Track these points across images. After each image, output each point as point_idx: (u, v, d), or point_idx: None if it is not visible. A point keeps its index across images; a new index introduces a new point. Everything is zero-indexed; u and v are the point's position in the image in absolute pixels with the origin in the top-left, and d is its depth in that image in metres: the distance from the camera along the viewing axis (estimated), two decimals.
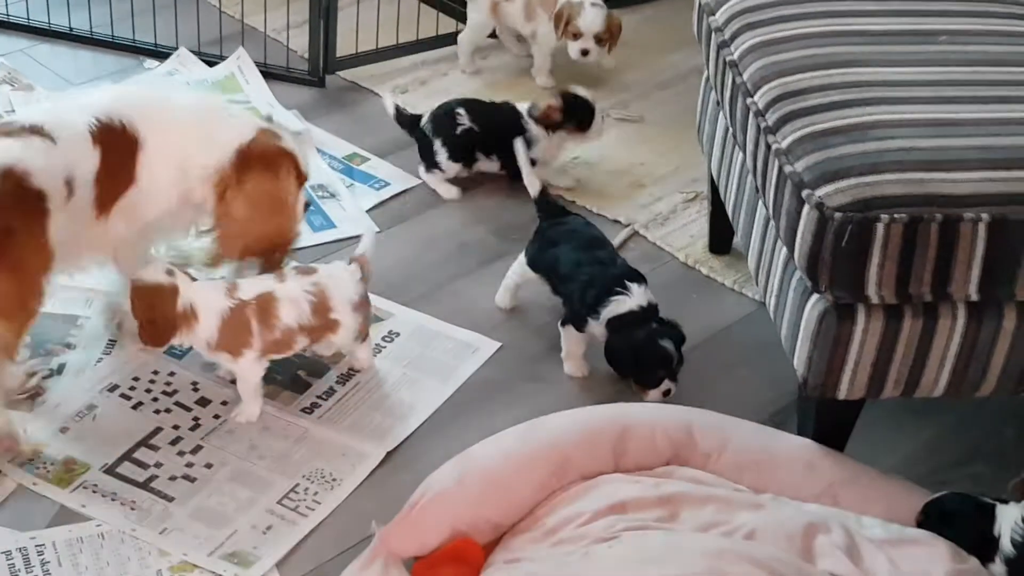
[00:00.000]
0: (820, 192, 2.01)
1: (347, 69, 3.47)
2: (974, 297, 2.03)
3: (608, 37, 3.43)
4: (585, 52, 3.41)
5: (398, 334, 2.68)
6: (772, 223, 2.22)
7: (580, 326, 2.53)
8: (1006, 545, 1.97)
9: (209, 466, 2.34)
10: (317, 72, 3.42)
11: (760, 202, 2.32)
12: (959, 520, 2.03)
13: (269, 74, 3.41)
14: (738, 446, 2.21)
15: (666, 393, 2.46)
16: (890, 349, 2.08)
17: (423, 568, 2.08)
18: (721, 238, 2.91)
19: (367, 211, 3.03)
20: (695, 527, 2.01)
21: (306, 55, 3.45)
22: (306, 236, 2.92)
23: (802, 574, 1.91)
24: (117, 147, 2.35)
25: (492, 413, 2.47)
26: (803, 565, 1.94)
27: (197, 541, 2.19)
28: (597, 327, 2.50)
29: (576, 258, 2.56)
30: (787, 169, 2.09)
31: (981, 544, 2.00)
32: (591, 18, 3.39)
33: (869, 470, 2.19)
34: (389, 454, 2.39)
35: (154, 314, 2.32)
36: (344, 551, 2.17)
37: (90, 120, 2.32)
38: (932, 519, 2.04)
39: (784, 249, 2.19)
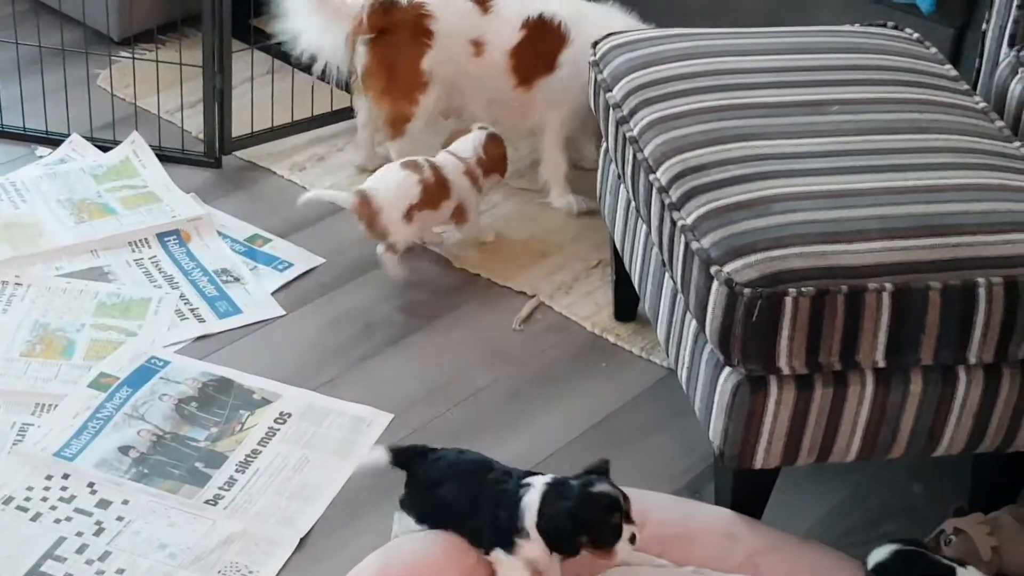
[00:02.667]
0: (728, 268, 2.04)
1: (244, 149, 3.45)
2: (881, 364, 2.08)
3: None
4: None
5: (290, 415, 2.65)
6: (680, 296, 2.25)
7: (510, 549, 2.09)
8: None
9: (121, 572, 2.28)
10: (213, 153, 3.40)
11: (667, 275, 2.35)
12: (918, 570, 2.05)
13: (165, 157, 3.37)
14: (657, 519, 2.21)
15: (632, 539, 2.04)
16: (803, 418, 2.12)
17: None
18: (627, 306, 2.94)
19: (272, 293, 3.00)
20: None
21: (201, 136, 3.42)
22: (210, 323, 2.89)
23: None
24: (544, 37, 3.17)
25: None
26: None
27: None
28: (529, 542, 2.07)
29: (470, 491, 2.15)
30: (694, 245, 2.12)
31: None
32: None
33: (789, 537, 2.22)
34: (304, 540, 2.37)
35: None
36: None
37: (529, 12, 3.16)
38: (897, 564, 2.05)
39: (694, 322, 2.22)
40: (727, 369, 2.13)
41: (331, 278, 3.08)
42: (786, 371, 2.07)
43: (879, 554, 2.09)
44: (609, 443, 2.59)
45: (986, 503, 2.31)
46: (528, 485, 2.08)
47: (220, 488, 2.47)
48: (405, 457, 2.23)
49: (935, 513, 2.30)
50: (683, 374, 2.33)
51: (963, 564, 2.09)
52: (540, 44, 3.17)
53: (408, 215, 2.93)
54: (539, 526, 2.03)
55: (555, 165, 3.30)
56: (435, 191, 2.98)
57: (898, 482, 2.52)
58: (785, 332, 2.02)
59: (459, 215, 3.08)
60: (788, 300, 2.00)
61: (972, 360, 2.09)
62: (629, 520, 2.05)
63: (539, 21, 3.15)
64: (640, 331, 2.92)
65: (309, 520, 2.41)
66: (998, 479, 2.37)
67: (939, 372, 2.11)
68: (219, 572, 2.29)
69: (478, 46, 3.18)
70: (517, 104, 3.25)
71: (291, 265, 3.10)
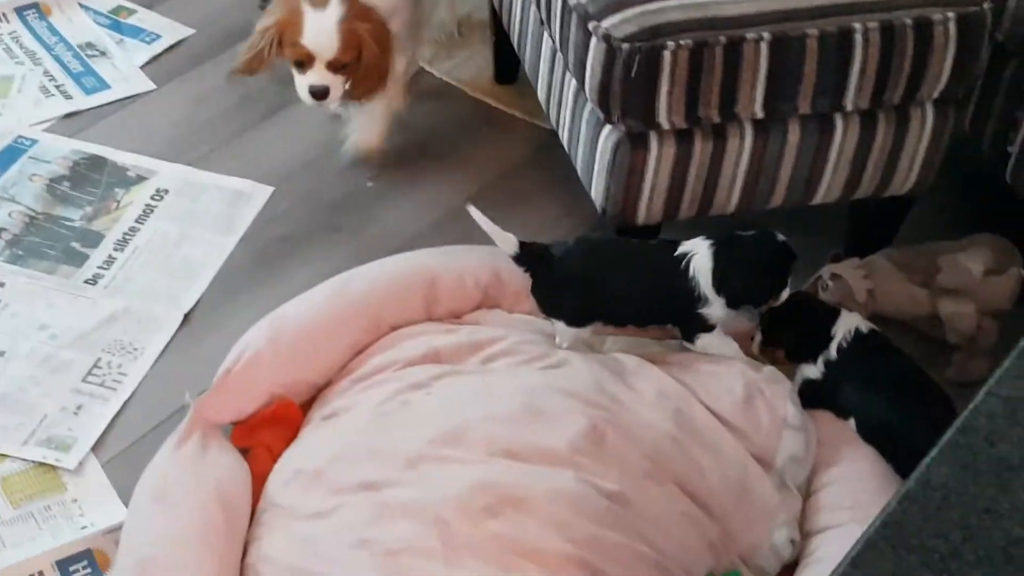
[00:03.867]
0: (606, 23, 2.00)
1: None
2: (760, 115, 2.08)
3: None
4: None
5: (167, 191, 2.60)
6: (559, 55, 2.22)
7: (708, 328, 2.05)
8: (832, 348, 2.06)
9: (2, 354, 2.26)
10: None
11: (545, 33, 2.30)
12: (806, 313, 2.11)
13: None
14: None
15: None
16: (683, 173, 2.13)
17: (242, 433, 2.06)
18: (507, 68, 2.90)
19: (140, 67, 2.90)
20: (509, 367, 2.04)
21: None
22: (78, 99, 2.80)
23: (615, 399, 1.97)
24: None
25: (293, 267, 2.45)
26: (616, 389, 1.99)
27: (6, 432, 2.12)
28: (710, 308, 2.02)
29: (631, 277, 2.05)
30: (571, 1, 2.08)
31: (816, 340, 2.08)
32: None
33: None
34: (188, 316, 2.35)
35: None
36: (159, 424, 2.14)
37: None
38: (787, 308, 2.07)
39: (573, 81, 2.20)
40: (607, 127, 2.12)
41: (202, 49, 2.98)
42: (666, 126, 2.06)
43: None
44: (495, 207, 2.54)
45: (862, 249, 2.37)
46: (689, 252, 1.99)
47: (99, 267, 2.43)
48: (529, 257, 2.07)
49: (813, 260, 2.35)
50: (564, 135, 2.32)
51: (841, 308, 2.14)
52: None
53: None
54: (720, 286, 1.98)
55: None
56: None
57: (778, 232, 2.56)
58: (664, 87, 2.00)
59: None
60: (666, 54, 1.97)
61: (848, 107, 2.10)
62: None
63: None
64: (522, 94, 2.88)
65: (192, 296, 2.39)
66: (874, 225, 2.42)
67: (816, 121, 2.12)
68: (103, 350, 2.27)
69: None
70: None
71: (159, 37, 2.99)
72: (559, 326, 2.09)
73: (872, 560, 1.19)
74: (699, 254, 1.99)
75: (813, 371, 2.08)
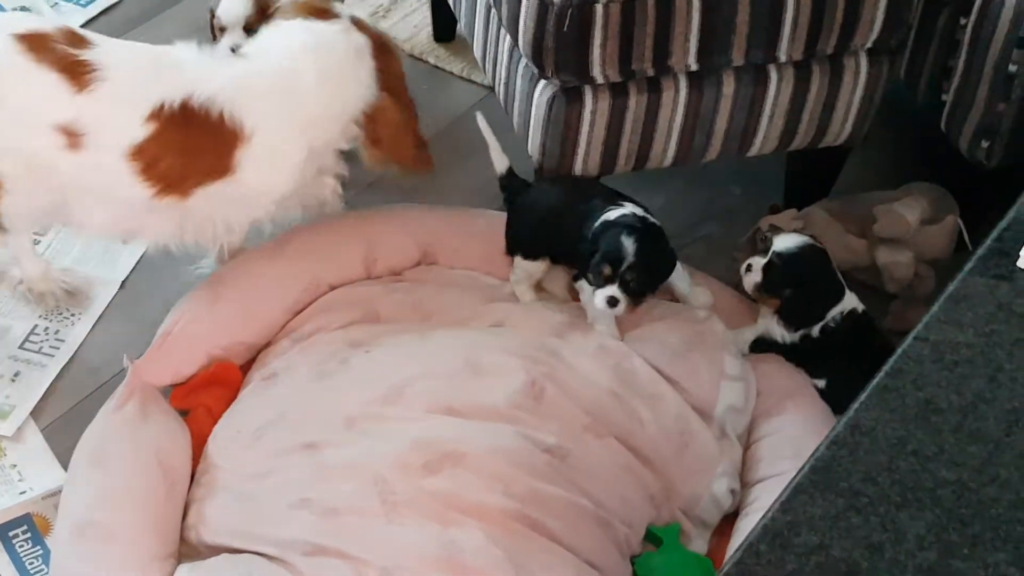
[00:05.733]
0: None
1: None
2: (694, 67, 2.08)
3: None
4: None
5: None
6: (494, 12, 2.21)
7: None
8: (816, 328, 2.07)
9: None
10: None
11: None
12: (813, 280, 2.08)
13: None
14: (485, 237, 2.24)
15: None
16: (619, 127, 2.13)
17: (181, 395, 2.06)
18: (444, 26, 2.88)
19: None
20: (449, 325, 2.05)
21: None
22: None
23: (555, 354, 1.98)
24: None
25: None
26: (556, 344, 2.00)
27: None
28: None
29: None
30: None
31: (809, 314, 2.07)
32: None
33: None
34: (125, 282, 2.33)
35: None
36: (98, 388, 2.13)
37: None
38: (798, 263, 2.07)
39: (508, 37, 2.19)
40: (542, 82, 2.11)
41: (137, 12, 2.94)
42: (600, 80, 2.06)
43: (784, 241, 2.09)
44: (435, 163, 2.57)
45: (800, 200, 2.38)
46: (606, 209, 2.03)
47: (36, 233, 2.38)
48: (511, 183, 2.24)
49: (751, 213, 2.36)
50: (500, 91, 2.31)
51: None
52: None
53: None
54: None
55: None
56: None
57: (715, 186, 2.57)
58: (597, 40, 2.00)
59: None
60: (599, 8, 1.97)
61: (782, 58, 2.11)
62: None
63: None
64: (459, 51, 2.87)
65: (129, 262, 2.37)
66: (810, 176, 2.43)
67: (751, 72, 2.12)
68: (40, 316, 2.25)
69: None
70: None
71: (93, 0, 2.94)
72: (516, 260, 2.15)
73: (801, 505, 1.21)
74: (610, 217, 2.02)
75: (786, 336, 2.09)
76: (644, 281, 1.99)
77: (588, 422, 1.89)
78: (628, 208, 2.03)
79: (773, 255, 2.07)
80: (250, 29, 2.31)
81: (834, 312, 2.07)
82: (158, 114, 1.93)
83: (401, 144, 2.22)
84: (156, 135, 1.94)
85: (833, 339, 2.07)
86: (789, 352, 2.10)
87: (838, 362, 2.05)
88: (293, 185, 2.09)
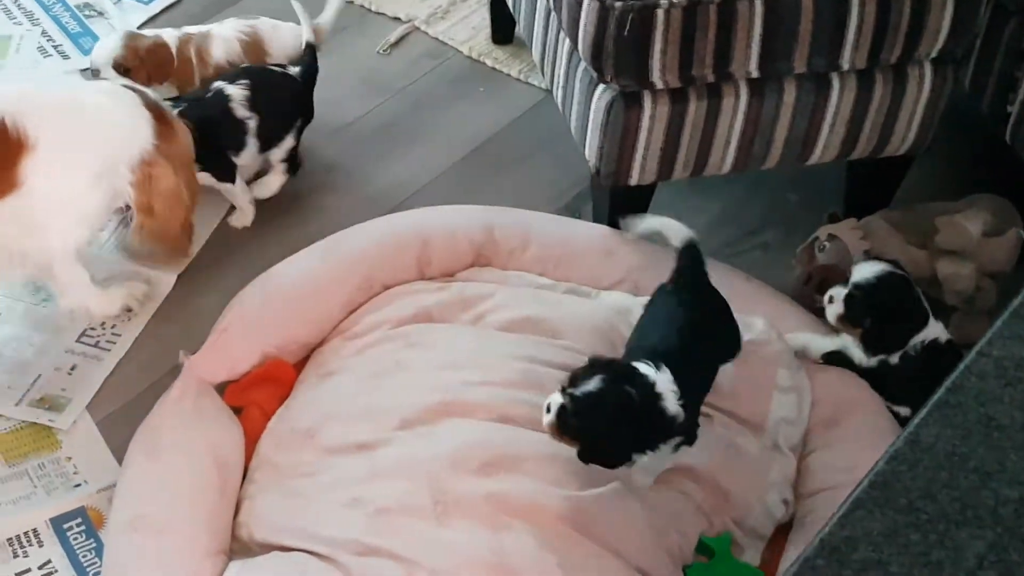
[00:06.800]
0: None
1: None
2: (755, 74, 2.06)
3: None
4: None
5: None
6: (554, 15, 2.20)
7: None
8: (896, 356, 2.04)
9: None
10: None
11: None
12: (896, 309, 2.04)
13: None
14: (540, 241, 2.23)
15: None
16: (678, 132, 2.11)
17: (235, 392, 2.06)
18: (503, 28, 2.88)
19: (138, 28, 2.88)
20: (500, 328, 2.04)
21: None
22: (76, 60, 2.79)
23: None
24: None
25: (286, 227, 2.43)
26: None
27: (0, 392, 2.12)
28: None
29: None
30: None
31: (891, 342, 2.04)
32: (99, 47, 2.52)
33: (667, 252, 2.23)
34: (181, 277, 2.34)
35: None
36: (153, 383, 2.14)
37: None
38: (881, 291, 2.04)
39: (567, 40, 2.18)
40: (601, 86, 2.10)
41: (198, 9, 2.96)
42: (660, 85, 2.05)
43: (863, 271, 2.05)
44: (489, 167, 2.57)
45: (859, 209, 2.35)
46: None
47: None
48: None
49: (810, 221, 2.34)
50: (559, 94, 2.30)
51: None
52: None
53: None
54: None
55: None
56: None
57: (774, 193, 2.55)
58: (657, 45, 1.98)
59: None
60: (660, 12, 1.96)
61: (845, 66, 2.09)
62: None
63: None
64: (517, 54, 2.87)
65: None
66: (871, 185, 2.40)
67: (813, 80, 2.11)
68: None
69: None
70: None
71: None
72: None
73: (859, 520, 1.19)
74: None
75: (863, 360, 2.07)
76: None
77: None
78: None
79: (852, 287, 2.05)
80: (122, 69, 2.43)
81: (915, 340, 2.04)
82: None
83: (172, 218, 2.18)
84: None
85: (911, 367, 2.04)
86: (866, 376, 2.08)
87: (919, 391, 2.02)
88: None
